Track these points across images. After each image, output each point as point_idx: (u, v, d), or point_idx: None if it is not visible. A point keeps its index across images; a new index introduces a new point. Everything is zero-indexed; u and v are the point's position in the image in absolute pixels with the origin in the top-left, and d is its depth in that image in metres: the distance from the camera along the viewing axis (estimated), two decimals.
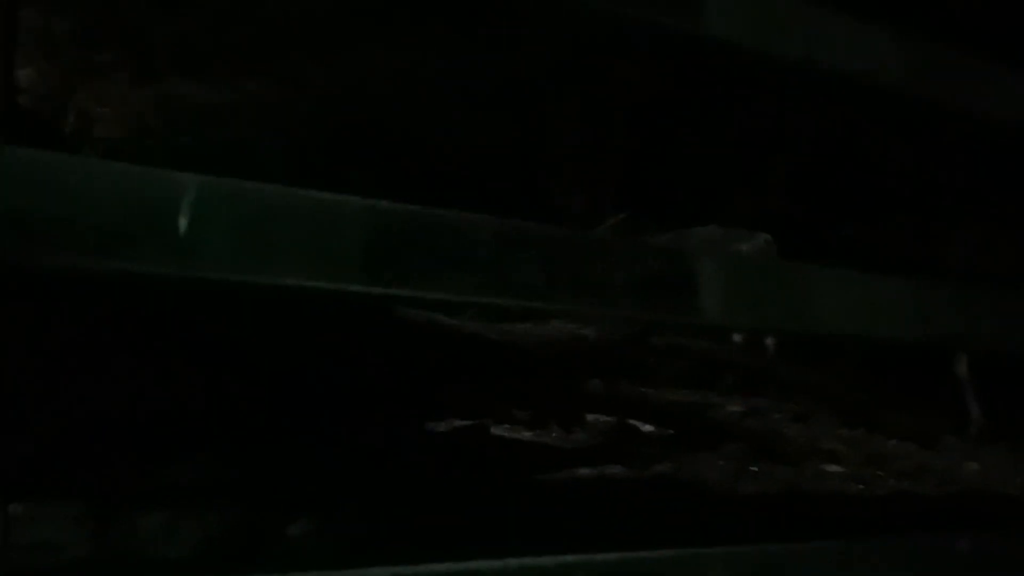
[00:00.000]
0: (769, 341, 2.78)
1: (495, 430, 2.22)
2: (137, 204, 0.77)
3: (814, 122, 3.22)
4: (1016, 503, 2.26)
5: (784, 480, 2.16)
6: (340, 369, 2.23)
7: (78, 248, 0.75)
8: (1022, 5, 2.64)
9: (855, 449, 2.45)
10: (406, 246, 0.88)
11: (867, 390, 2.81)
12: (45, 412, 1.87)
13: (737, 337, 2.74)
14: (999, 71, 1.30)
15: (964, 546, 1.25)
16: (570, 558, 0.98)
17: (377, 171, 3.55)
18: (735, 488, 2.09)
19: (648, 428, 2.38)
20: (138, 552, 1.60)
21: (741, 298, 1.02)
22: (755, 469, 2.22)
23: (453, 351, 2.40)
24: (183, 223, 0.77)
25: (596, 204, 3.41)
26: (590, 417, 2.37)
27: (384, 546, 1.58)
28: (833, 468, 2.27)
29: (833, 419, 2.60)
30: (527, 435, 2.24)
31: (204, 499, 1.75)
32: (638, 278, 0.94)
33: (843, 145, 3.25)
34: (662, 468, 2.12)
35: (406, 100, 3.36)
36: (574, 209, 3.42)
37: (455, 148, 3.34)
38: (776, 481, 2.15)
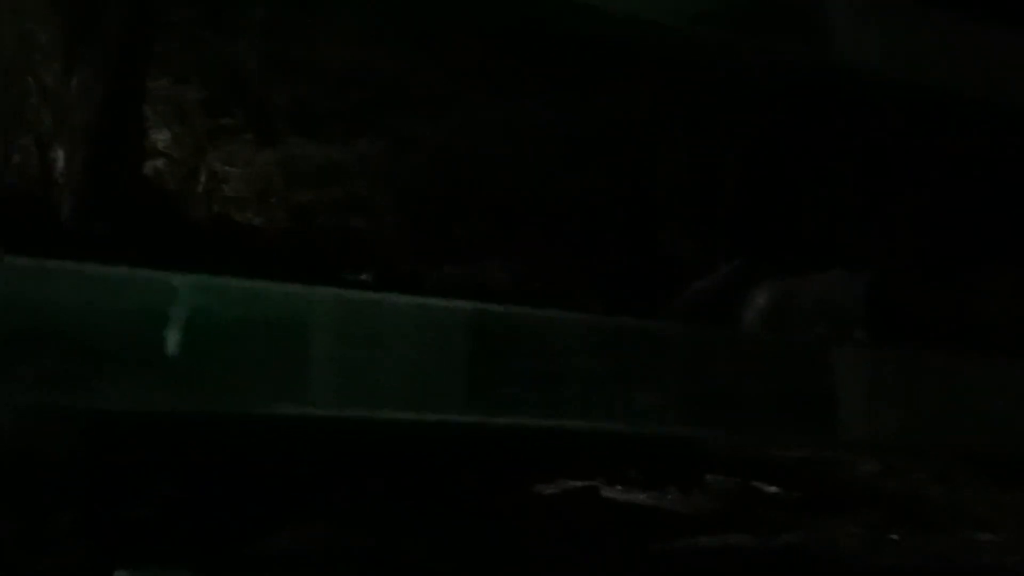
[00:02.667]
0: None
1: (607, 492, 2.01)
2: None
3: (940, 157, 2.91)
4: None
5: (930, 551, 1.86)
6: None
7: None
8: None
9: (1008, 514, 2.12)
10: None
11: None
12: (153, 479, 1.78)
13: None
14: None
15: None
16: None
17: (486, 223, 3.44)
18: (875, 561, 1.80)
19: (773, 490, 2.11)
20: None
21: None
22: (895, 538, 1.92)
23: None
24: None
25: (707, 250, 3.18)
26: (709, 478, 2.12)
27: None
28: (986, 537, 1.95)
29: (982, 478, 2.26)
30: (641, 497, 2.01)
31: (312, 566, 1.63)
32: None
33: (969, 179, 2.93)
34: (791, 537, 1.86)
35: (513, 153, 3.24)
36: (685, 255, 3.20)
37: (563, 197, 3.19)
38: (921, 553, 1.84)
